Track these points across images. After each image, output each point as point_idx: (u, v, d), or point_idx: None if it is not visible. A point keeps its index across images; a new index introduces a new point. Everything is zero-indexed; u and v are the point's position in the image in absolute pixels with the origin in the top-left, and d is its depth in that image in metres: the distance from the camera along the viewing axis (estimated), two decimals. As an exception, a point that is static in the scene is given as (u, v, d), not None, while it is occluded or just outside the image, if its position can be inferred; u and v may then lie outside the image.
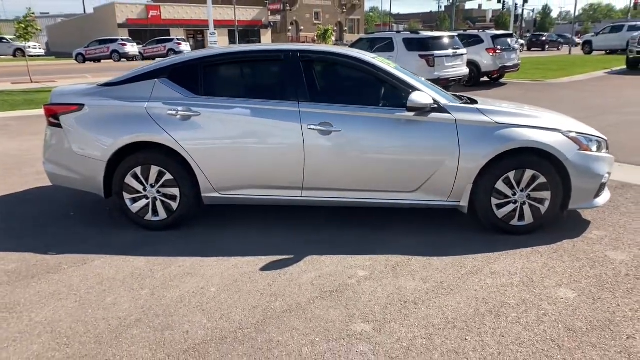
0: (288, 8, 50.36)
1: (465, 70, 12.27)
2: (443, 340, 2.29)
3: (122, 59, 31.30)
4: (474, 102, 3.77)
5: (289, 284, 2.87)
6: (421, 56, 11.42)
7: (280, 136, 3.46)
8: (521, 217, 3.50)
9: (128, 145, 3.55)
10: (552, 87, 13.36)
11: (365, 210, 4.04)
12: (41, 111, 10.05)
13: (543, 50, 39.98)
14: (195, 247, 3.41)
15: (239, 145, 3.49)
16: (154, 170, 3.58)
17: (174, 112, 3.51)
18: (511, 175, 3.41)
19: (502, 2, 46.04)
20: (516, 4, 39.15)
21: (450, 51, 11.67)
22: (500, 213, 3.49)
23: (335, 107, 3.49)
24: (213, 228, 3.75)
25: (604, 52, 27.14)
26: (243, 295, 2.74)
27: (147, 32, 39.80)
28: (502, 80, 14.80)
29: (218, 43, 39.33)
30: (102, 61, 31.55)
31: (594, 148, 3.50)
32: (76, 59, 31.71)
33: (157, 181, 3.61)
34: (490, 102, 3.92)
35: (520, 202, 3.47)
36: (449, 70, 11.61)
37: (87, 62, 31.18)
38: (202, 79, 3.64)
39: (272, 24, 41.52)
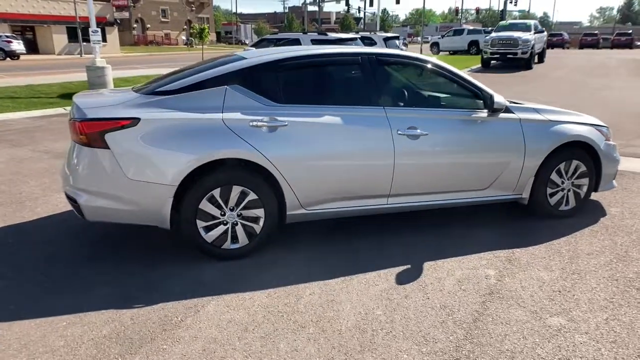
0: (132, 4, 46.21)
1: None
2: (630, 318, 2.54)
3: None
4: (519, 102, 4.14)
5: (441, 293, 2.82)
6: (330, 57, 11.74)
7: (371, 143, 3.33)
8: (566, 202, 3.99)
9: (201, 165, 3.01)
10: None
11: (417, 213, 4.10)
12: None
13: (388, 51, 44.22)
14: (296, 271, 3.07)
15: (329, 155, 3.25)
16: (236, 190, 3.11)
17: (259, 124, 3.09)
18: (562, 166, 3.87)
19: (347, 4, 49.75)
20: (359, 7, 42.43)
21: (355, 53, 12.25)
22: (552, 200, 3.93)
23: (418, 110, 3.50)
24: (278, 248, 3.42)
25: (448, 53, 31.37)
26: (415, 313, 2.61)
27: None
28: (387, 80, 16.06)
29: (54, 42, 34.17)
30: None
31: (611, 138, 4.18)
32: None
33: (237, 203, 3.14)
34: (529, 102, 4.32)
35: (566, 190, 3.95)
36: (355, 71, 12.19)
37: None
38: (280, 84, 3.27)
39: (118, 21, 37.59)
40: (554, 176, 3.86)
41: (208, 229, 3.13)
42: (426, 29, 51.31)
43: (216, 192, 3.07)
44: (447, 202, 3.67)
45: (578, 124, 3.93)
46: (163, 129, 2.98)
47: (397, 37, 15.68)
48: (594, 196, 4.54)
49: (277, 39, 13.35)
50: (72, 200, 3.11)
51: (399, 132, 3.36)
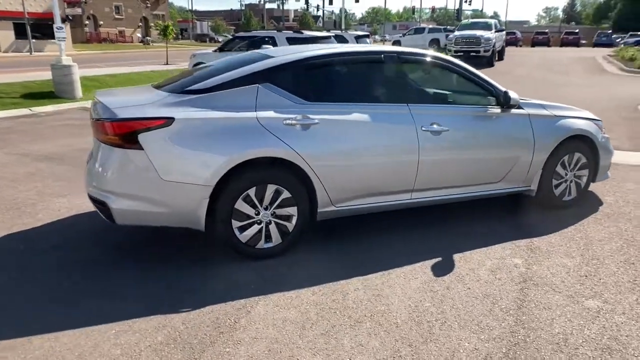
0: (84, 0, 44.09)
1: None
2: (657, 297, 2.75)
3: None
4: (524, 99, 4.32)
5: (479, 282, 2.92)
6: (306, 55, 11.77)
7: (397, 140, 3.40)
8: (569, 193, 4.22)
9: (237, 164, 2.97)
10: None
11: (423, 209, 4.16)
12: None
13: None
14: (329, 268, 3.09)
15: (358, 152, 3.29)
16: (270, 189, 3.09)
17: (292, 122, 3.08)
18: (565, 158, 4.08)
19: (307, 2, 49.80)
20: (318, 5, 42.80)
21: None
22: (557, 191, 4.14)
23: (439, 107, 3.61)
24: (302, 247, 3.43)
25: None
26: (462, 303, 2.70)
27: None
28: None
29: (0, 39, 32.07)
30: None
31: (604, 130, 4.45)
32: None
33: (271, 202, 3.12)
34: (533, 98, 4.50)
35: (569, 181, 4.18)
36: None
37: None
38: (309, 82, 3.28)
39: (70, 17, 35.74)
40: (558, 168, 4.07)
41: (242, 228, 3.09)
42: (383, 28, 52.19)
43: (251, 191, 3.04)
44: (464, 195, 3.79)
45: (579, 118, 4.16)
46: (198, 129, 2.92)
47: (367, 36, 15.92)
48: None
49: (251, 37, 13.26)
50: (98, 202, 2.99)
51: (423, 128, 3.44)
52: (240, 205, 3.03)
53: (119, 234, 3.57)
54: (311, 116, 3.15)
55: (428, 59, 3.72)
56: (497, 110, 3.76)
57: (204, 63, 13.40)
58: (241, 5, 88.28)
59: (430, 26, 31.34)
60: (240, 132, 2.97)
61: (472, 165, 3.70)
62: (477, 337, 2.40)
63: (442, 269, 3.11)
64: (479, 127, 3.69)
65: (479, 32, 18.99)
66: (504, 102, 3.69)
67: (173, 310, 2.61)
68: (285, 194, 3.13)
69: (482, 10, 59.46)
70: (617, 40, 33.27)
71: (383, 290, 2.83)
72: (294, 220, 3.21)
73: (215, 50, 13.65)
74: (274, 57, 3.31)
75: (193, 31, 69.53)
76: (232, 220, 3.04)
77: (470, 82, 3.80)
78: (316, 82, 3.33)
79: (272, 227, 3.17)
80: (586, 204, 4.31)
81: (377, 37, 53.66)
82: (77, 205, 4.20)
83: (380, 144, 3.34)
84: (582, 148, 4.13)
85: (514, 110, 3.83)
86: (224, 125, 2.96)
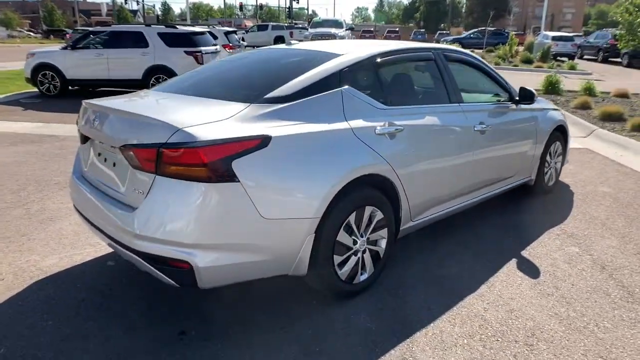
0: None
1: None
2: None
3: None
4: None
5: (573, 277, 2.98)
6: (188, 52, 10.75)
7: (460, 141, 3.26)
8: (552, 178, 4.64)
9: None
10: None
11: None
12: None
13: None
14: (432, 293, 2.81)
15: (435, 158, 3.05)
16: (367, 212, 2.62)
17: (383, 131, 2.66)
18: (552, 148, 4.47)
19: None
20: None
21: (212, 47, 11.49)
22: (545, 178, 4.51)
23: (479, 105, 3.58)
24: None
25: (252, 47, 31.84)
26: (585, 301, 2.70)
27: None
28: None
29: None
30: None
31: (564, 120, 5.00)
32: None
33: (366, 227, 2.65)
34: None
35: (552, 168, 4.59)
36: (215, 67, 11.42)
37: None
38: (385, 83, 2.91)
39: None
40: (547, 157, 4.44)
41: (341, 264, 2.57)
42: (210, 23, 50.83)
43: (352, 218, 2.54)
44: (494, 192, 3.82)
45: (554, 110, 4.60)
46: (297, 147, 2.29)
47: (235, 32, 15.24)
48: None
49: (112, 32, 11.41)
50: (164, 263, 2.13)
51: (476, 128, 3.36)
52: (342, 237, 2.51)
53: (156, 294, 2.64)
54: (396, 122, 2.77)
55: (462, 56, 3.63)
56: (514, 106, 3.90)
57: (48, 62, 11.07)
58: (36, -4, 74.53)
59: (274, 24, 31.74)
60: (339, 147, 2.44)
61: (502, 161, 3.76)
62: (637, 330, 2.42)
63: (530, 270, 3.08)
64: (505, 123, 3.76)
65: (333, 30, 19.92)
66: (528, 97, 3.83)
67: (328, 385, 2.01)
68: (379, 215, 2.70)
69: (307, 9, 63.13)
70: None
71: (510, 304, 2.66)
72: (383, 244, 2.80)
73: (65, 48, 11.36)
74: (343, 54, 2.80)
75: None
76: (334, 256, 2.49)
77: (491, 79, 3.85)
78: (391, 83, 2.96)
79: (366, 256, 2.71)
80: (558, 188, 4.80)
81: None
82: (36, 260, 3.00)
83: (450, 146, 3.15)
84: (559, 137, 4.57)
85: (522, 106, 4.01)
86: (322, 140, 2.39)
